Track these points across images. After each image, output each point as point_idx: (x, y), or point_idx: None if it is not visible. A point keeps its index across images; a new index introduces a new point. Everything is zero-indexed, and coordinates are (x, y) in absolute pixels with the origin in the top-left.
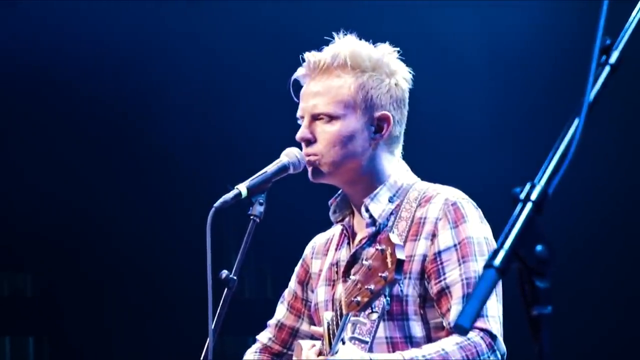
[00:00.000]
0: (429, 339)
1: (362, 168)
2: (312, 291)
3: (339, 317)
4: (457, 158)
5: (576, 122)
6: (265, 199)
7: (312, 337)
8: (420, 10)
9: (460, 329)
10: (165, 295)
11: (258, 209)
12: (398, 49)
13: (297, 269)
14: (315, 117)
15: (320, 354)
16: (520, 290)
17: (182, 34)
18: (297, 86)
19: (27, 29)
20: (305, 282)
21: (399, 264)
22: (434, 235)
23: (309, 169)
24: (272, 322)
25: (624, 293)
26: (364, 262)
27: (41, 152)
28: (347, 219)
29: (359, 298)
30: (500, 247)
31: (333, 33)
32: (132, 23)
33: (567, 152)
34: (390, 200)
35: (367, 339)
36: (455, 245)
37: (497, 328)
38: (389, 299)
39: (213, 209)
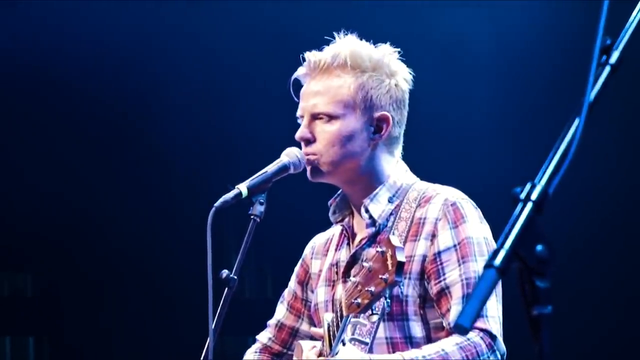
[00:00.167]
0: (429, 339)
1: (361, 168)
2: (312, 291)
3: (339, 319)
4: (457, 158)
5: (576, 122)
6: (266, 199)
7: (312, 337)
8: (421, 11)
9: (460, 328)
10: (165, 295)
11: (258, 208)
12: (399, 49)
13: (296, 269)
14: (315, 117)
15: (320, 354)
16: (520, 290)
17: (182, 34)
18: (298, 85)
19: (27, 29)
20: (305, 282)
21: (400, 266)
22: (433, 236)
23: (308, 168)
24: (272, 322)
25: (624, 293)
26: (364, 263)
27: (41, 152)
28: (346, 220)
29: (359, 300)
30: (501, 247)
31: (334, 33)
32: (132, 23)
33: (567, 152)
34: (390, 200)
35: (367, 340)
36: (455, 246)
37: (497, 328)
38: (389, 300)
39: (213, 209)
